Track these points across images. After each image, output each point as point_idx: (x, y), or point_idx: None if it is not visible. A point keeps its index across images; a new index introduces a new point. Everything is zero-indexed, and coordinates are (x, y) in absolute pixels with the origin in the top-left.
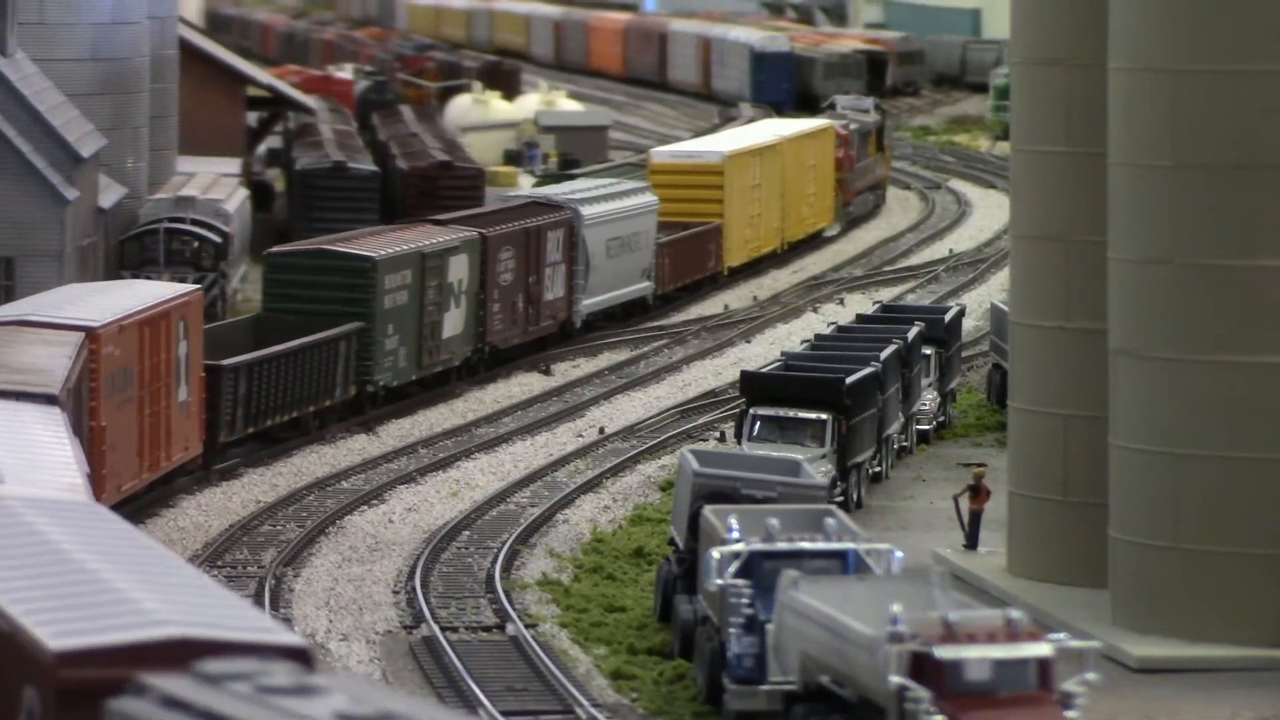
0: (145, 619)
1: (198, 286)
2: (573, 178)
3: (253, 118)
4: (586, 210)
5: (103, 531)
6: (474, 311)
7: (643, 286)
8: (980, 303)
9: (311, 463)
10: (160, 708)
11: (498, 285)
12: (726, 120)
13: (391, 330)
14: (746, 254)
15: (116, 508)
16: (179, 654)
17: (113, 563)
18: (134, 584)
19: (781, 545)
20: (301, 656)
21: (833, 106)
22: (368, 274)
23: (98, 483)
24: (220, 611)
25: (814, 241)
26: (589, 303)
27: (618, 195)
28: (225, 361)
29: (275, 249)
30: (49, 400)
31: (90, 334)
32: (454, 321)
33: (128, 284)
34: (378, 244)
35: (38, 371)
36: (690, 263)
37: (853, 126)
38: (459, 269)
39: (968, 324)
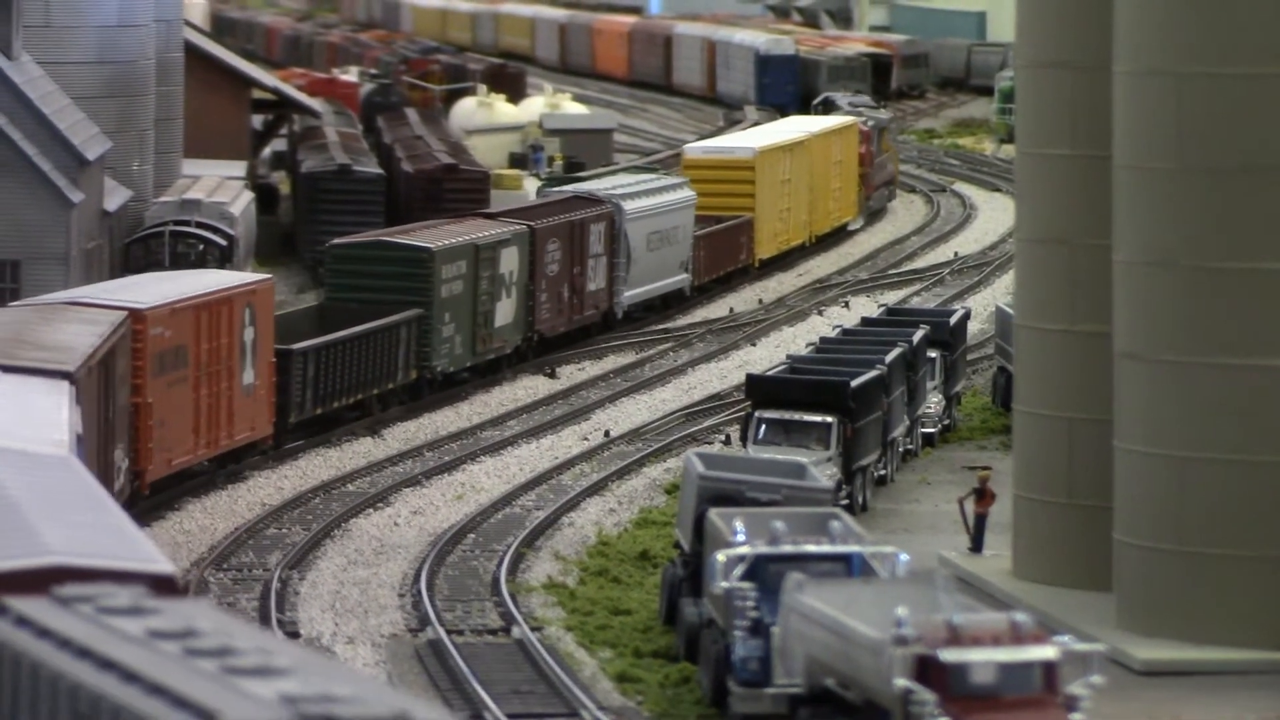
0: (34, 549)
1: (268, 276)
2: (579, 180)
3: (258, 120)
4: (628, 205)
5: (56, 480)
6: (523, 301)
7: (681, 278)
8: (985, 306)
9: (317, 465)
10: (13, 625)
11: (545, 276)
12: (732, 123)
13: (448, 318)
14: (776, 246)
15: (169, 480)
16: (51, 580)
17: (44, 503)
18: (48, 521)
19: (787, 548)
20: (167, 584)
21: (827, 104)
22: (426, 264)
23: (144, 455)
24: (110, 545)
25: (837, 236)
26: (630, 294)
27: (657, 191)
28: (295, 346)
29: (338, 240)
30: (62, 376)
31: (136, 315)
32: (505, 310)
33: (198, 273)
34: (434, 236)
35: (60, 349)
36: (724, 255)
37: (870, 123)
38: (510, 260)
39: (973, 327)
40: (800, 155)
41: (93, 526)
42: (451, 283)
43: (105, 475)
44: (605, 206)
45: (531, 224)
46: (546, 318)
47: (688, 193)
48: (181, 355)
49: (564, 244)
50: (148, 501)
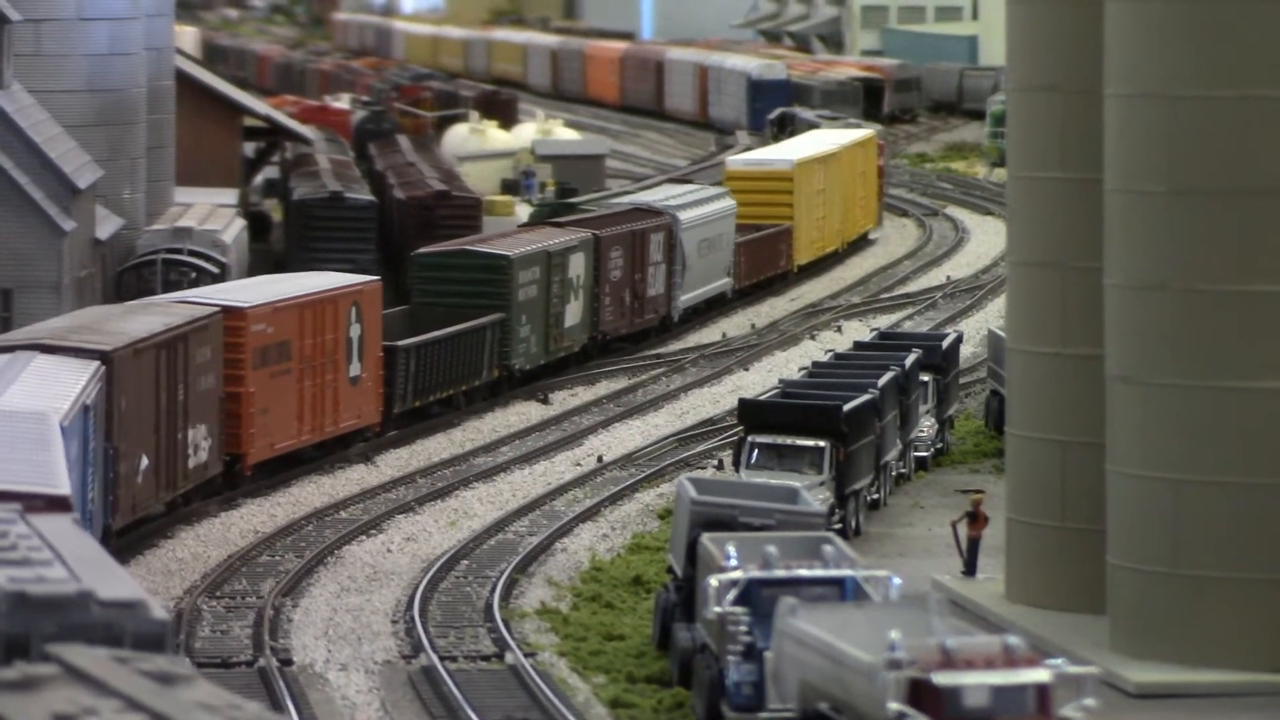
0: None
1: (376, 278)
2: (571, 207)
3: (250, 148)
4: (683, 215)
5: (21, 429)
6: (590, 304)
7: (724, 283)
8: (978, 329)
9: (310, 493)
10: None
11: (609, 281)
12: (724, 149)
13: (525, 320)
14: (813, 253)
15: (272, 463)
16: None
17: None
18: None
19: (780, 573)
20: (61, 503)
21: (782, 121)
22: (505, 270)
23: (245, 439)
24: (24, 474)
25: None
26: (684, 298)
27: (705, 201)
28: (399, 343)
29: (423, 250)
30: (97, 356)
31: (235, 312)
32: (574, 312)
33: (308, 275)
34: (511, 244)
35: (111, 334)
36: (764, 261)
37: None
38: (577, 266)
39: (965, 350)
40: (833, 166)
41: (21, 461)
42: (527, 287)
43: (170, 449)
44: (664, 217)
45: (597, 233)
46: (610, 319)
47: (729, 202)
48: (285, 350)
49: (626, 251)
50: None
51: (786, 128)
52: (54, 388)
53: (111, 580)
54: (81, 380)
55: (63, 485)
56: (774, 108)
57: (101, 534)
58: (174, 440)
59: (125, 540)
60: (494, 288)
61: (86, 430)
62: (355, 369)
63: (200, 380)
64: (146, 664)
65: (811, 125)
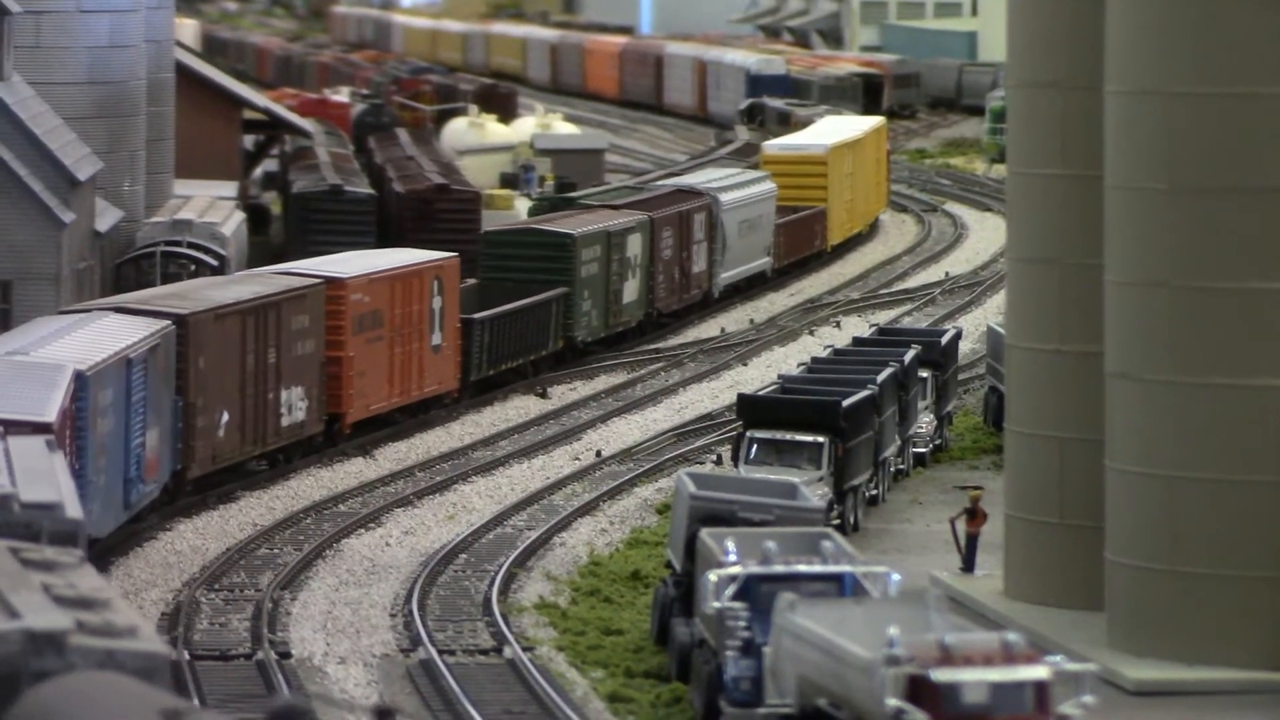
0: None
1: (454, 254)
2: (571, 201)
3: (249, 141)
4: (724, 197)
5: (35, 374)
6: (645, 281)
7: (764, 262)
8: (977, 325)
9: (308, 486)
10: None
11: (661, 260)
12: (723, 143)
13: (587, 295)
14: (843, 234)
15: (366, 423)
16: None
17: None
18: None
19: (778, 568)
20: (44, 428)
21: (752, 111)
22: (569, 249)
23: (345, 400)
24: (19, 405)
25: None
26: (725, 275)
27: (746, 184)
28: (476, 315)
29: (491, 229)
30: (170, 318)
31: (335, 283)
32: (631, 289)
33: (398, 250)
34: (573, 224)
35: (194, 300)
36: (800, 241)
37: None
38: (634, 246)
39: (964, 347)
40: (859, 151)
41: (22, 396)
42: (589, 264)
43: (259, 408)
44: (705, 199)
45: (651, 214)
46: (662, 296)
47: (770, 185)
48: (377, 318)
49: (675, 231)
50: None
51: (756, 117)
52: (98, 343)
53: (43, 487)
54: (131, 338)
55: (48, 415)
56: None
57: (170, 477)
58: (263, 399)
59: (208, 489)
60: (558, 264)
61: (127, 381)
62: (437, 338)
63: (296, 345)
64: (34, 554)
65: (781, 115)
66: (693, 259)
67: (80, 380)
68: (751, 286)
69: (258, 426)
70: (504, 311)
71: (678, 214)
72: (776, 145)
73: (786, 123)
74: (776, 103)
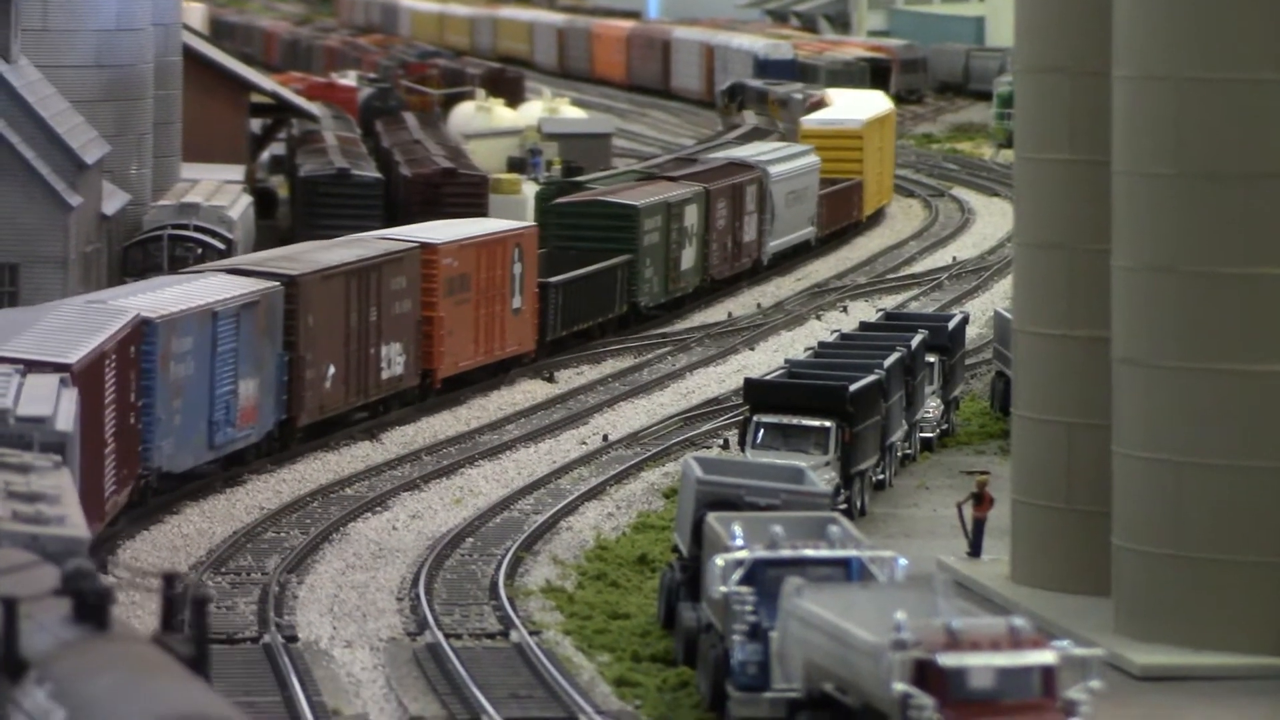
0: None
1: (533, 224)
2: (578, 185)
3: (256, 124)
4: (774, 170)
5: (91, 319)
6: (701, 250)
7: (809, 231)
8: (984, 310)
9: (315, 469)
10: None
11: (715, 229)
12: (730, 128)
13: (649, 262)
14: (875, 205)
15: (454, 380)
16: None
17: (56, 328)
18: (32, 333)
19: (785, 553)
20: (64, 368)
21: (733, 92)
22: (633, 219)
23: (436, 357)
24: (51, 348)
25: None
26: (774, 244)
27: (792, 157)
28: (551, 279)
29: (559, 200)
30: (282, 279)
31: (429, 248)
32: (688, 257)
33: (479, 220)
34: (636, 195)
35: (301, 262)
36: (840, 211)
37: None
38: (691, 216)
39: (971, 332)
40: (884, 127)
41: (60, 341)
42: (651, 234)
43: (361, 362)
44: (756, 171)
45: (707, 186)
46: (716, 263)
47: (814, 158)
48: (465, 281)
49: (728, 202)
50: (141, 507)
51: (737, 98)
52: (187, 297)
53: (38, 406)
54: (221, 294)
55: (70, 357)
56: None
57: (275, 426)
58: (365, 354)
59: (315, 437)
60: (622, 233)
61: (213, 333)
62: (517, 301)
63: (395, 305)
64: (12, 457)
65: (760, 94)
66: (744, 228)
67: (149, 326)
68: (797, 254)
69: (360, 379)
70: (576, 276)
71: (731, 186)
72: (815, 120)
73: (764, 101)
74: (756, 83)
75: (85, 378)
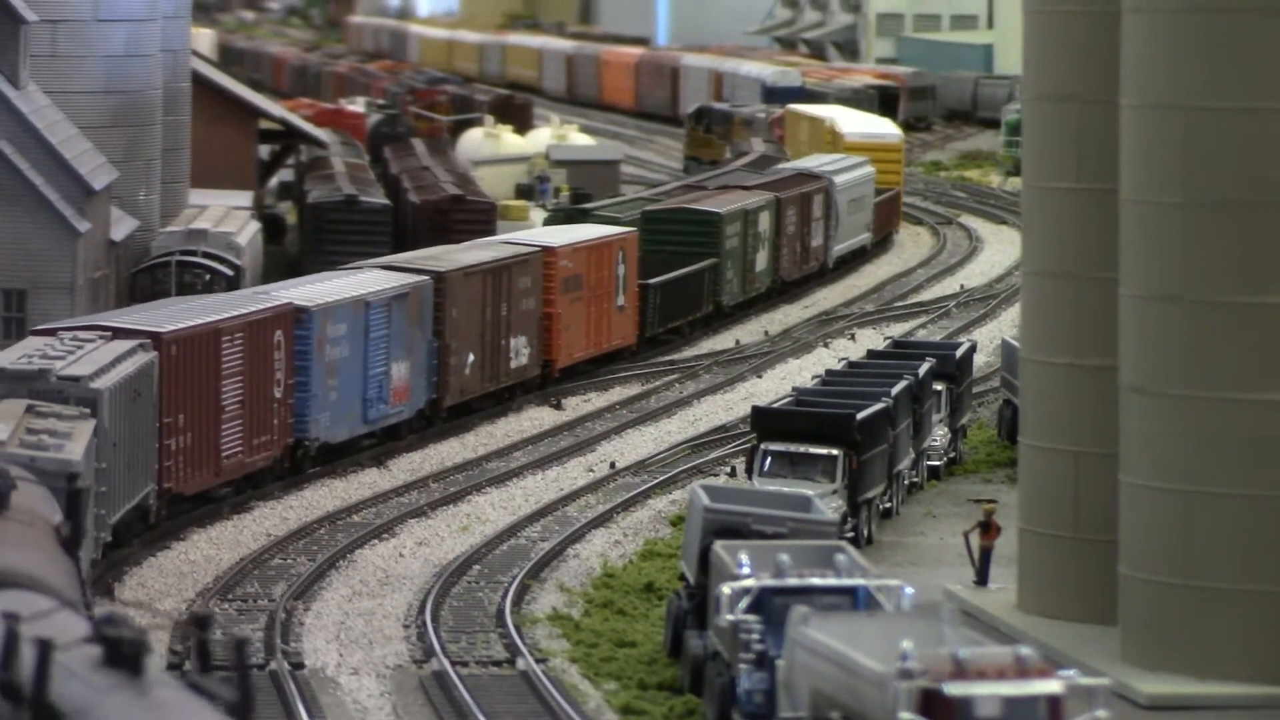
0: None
1: (634, 229)
2: (585, 213)
3: (265, 151)
4: (838, 179)
5: (238, 301)
6: (772, 254)
7: (865, 236)
8: (991, 338)
9: (322, 496)
10: None
11: (785, 235)
12: (739, 155)
13: (730, 265)
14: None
15: (568, 370)
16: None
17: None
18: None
19: (792, 581)
20: (155, 337)
21: (700, 115)
22: (716, 225)
23: (555, 349)
24: (151, 321)
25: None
26: (837, 248)
27: (852, 168)
28: (651, 280)
29: (649, 209)
30: (430, 275)
31: (549, 251)
32: (762, 260)
33: (586, 225)
34: (718, 203)
35: (444, 262)
36: (886, 219)
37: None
38: (764, 222)
39: (979, 360)
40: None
41: (174, 316)
42: (731, 239)
43: (494, 352)
44: (822, 181)
45: (778, 195)
46: (786, 266)
47: (870, 169)
48: (579, 281)
49: (797, 210)
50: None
51: (703, 120)
52: (344, 288)
53: (83, 367)
54: (374, 287)
55: (164, 327)
56: None
57: (423, 407)
58: (497, 345)
59: (456, 418)
60: (708, 239)
61: (365, 319)
62: (621, 299)
63: (521, 301)
64: (46, 408)
65: (725, 116)
66: (812, 234)
67: (305, 313)
68: (855, 258)
69: (493, 367)
70: (672, 278)
71: (800, 194)
72: (855, 134)
73: (729, 122)
74: (721, 105)
75: (181, 347)
